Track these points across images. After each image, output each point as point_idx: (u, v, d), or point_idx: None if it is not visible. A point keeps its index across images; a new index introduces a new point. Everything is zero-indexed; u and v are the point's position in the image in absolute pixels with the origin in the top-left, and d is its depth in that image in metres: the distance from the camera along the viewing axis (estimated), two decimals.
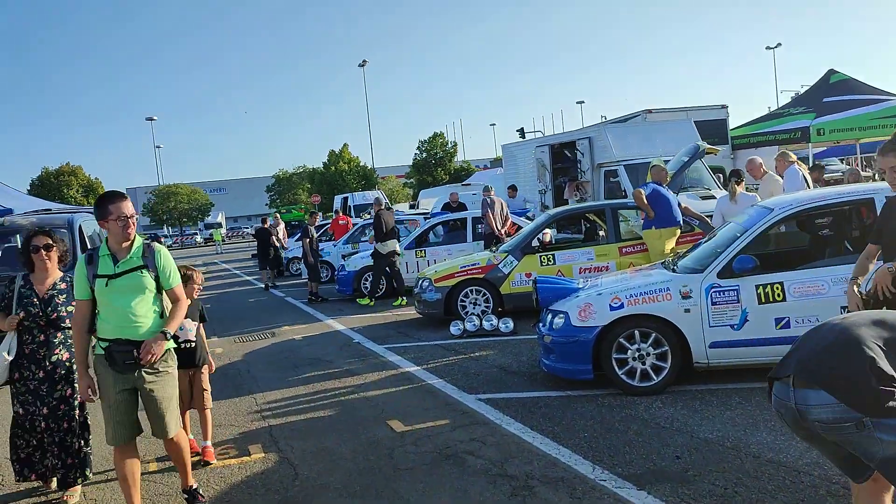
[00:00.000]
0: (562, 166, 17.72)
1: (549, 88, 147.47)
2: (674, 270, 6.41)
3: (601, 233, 10.73)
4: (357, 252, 15.83)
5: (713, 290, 5.91)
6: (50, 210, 13.99)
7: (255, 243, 19.81)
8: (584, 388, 6.34)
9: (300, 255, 17.23)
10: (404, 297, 12.72)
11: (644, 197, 9.37)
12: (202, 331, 5.63)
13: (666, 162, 10.57)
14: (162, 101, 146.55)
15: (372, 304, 13.09)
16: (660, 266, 6.92)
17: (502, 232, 12.71)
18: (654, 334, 6.01)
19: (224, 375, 8.42)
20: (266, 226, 19.92)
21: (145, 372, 4.12)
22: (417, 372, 7.69)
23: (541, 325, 6.70)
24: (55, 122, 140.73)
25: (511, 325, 9.20)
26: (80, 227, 10.69)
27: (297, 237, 20.08)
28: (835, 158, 26.89)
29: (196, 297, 5.55)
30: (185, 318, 5.17)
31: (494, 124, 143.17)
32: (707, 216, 10.10)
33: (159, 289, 4.25)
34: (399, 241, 13.46)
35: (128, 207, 4.10)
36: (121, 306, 4.09)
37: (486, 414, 5.97)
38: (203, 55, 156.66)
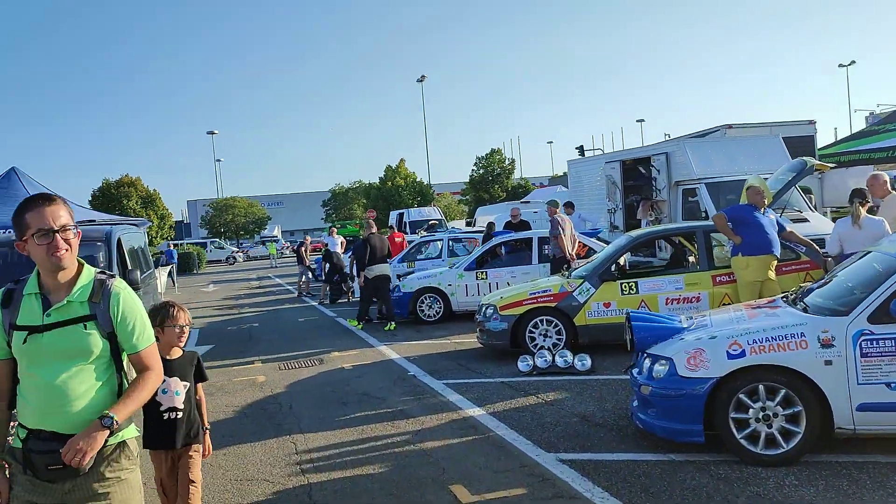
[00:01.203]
0: (634, 184, 16.50)
1: (608, 106, 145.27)
2: (805, 310, 5.20)
3: (691, 259, 9.48)
4: (413, 272, 14.89)
5: (864, 337, 4.69)
6: (94, 221, 13.46)
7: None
8: (689, 451, 5.17)
9: (350, 272, 16.47)
10: (394, 323, 12.75)
11: (726, 221, 8.20)
12: (200, 393, 4.11)
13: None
14: (223, 115, 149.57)
15: (393, 327, 12.63)
16: (781, 303, 5.70)
17: (573, 255, 11.59)
18: (783, 390, 4.81)
19: (264, 412, 7.51)
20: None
21: (84, 480, 2.62)
22: (482, 417, 6.62)
23: (636, 371, 5.56)
24: (119, 135, 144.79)
25: (588, 362, 8.05)
26: (118, 240, 10.00)
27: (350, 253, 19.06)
28: None
29: (183, 343, 4.02)
30: (173, 376, 3.84)
31: (552, 142, 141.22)
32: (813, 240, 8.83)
33: (116, 353, 2.76)
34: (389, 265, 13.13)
35: (56, 215, 2.64)
36: (48, 378, 2.62)
37: (572, 483, 4.85)
38: (263, 70, 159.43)
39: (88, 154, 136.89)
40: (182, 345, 3.96)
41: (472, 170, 56.43)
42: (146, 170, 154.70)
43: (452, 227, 29.96)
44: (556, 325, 8.81)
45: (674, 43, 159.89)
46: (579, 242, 12.69)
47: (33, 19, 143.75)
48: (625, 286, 8.72)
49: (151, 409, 3.80)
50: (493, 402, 7.09)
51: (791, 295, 5.82)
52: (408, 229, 31.90)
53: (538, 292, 8.94)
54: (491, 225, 17.32)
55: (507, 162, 56.39)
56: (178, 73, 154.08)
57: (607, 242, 13.39)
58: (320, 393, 8.15)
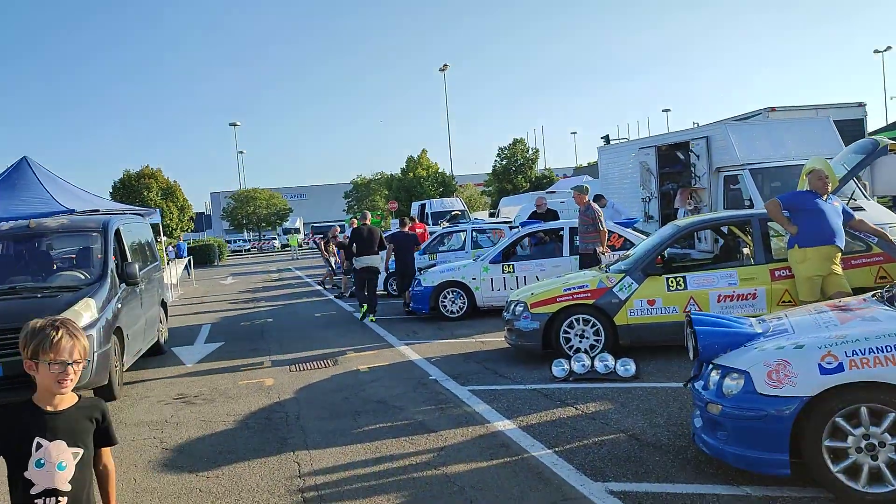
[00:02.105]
0: (670, 171, 15.50)
1: (632, 96, 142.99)
2: None
3: (745, 251, 8.52)
4: (434, 264, 14.04)
5: None
6: (98, 211, 12.76)
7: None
8: (769, 483, 4.26)
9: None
10: (373, 316, 12.92)
11: (780, 209, 7.27)
12: (108, 462, 2.64)
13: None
14: (245, 107, 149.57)
15: (373, 319, 12.85)
16: (874, 303, 4.77)
17: (606, 248, 10.64)
18: (893, 414, 3.89)
19: (268, 422, 6.70)
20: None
21: None
22: (513, 432, 5.75)
23: (699, 384, 4.66)
24: (143, 127, 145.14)
25: (632, 367, 7.15)
26: (116, 231, 9.26)
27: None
28: None
29: (66, 389, 2.42)
30: (56, 439, 2.41)
31: (575, 132, 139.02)
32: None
33: None
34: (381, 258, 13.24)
35: None
36: None
37: None
38: (286, 61, 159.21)
39: (113, 146, 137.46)
40: (66, 390, 2.43)
41: (496, 160, 55.27)
42: (171, 162, 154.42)
43: (475, 219, 29.05)
44: (594, 325, 7.91)
45: (699, 33, 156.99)
46: (614, 234, 11.78)
47: (55, 9, 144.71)
48: (671, 281, 7.80)
49: (20, 491, 2.41)
50: (526, 414, 6.22)
51: (885, 293, 4.88)
52: (430, 220, 31.10)
53: (573, 288, 8.04)
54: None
55: (530, 152, 55.18)
56: (203, 66, 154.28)
57: (645, 233, 12.45)
58: (332, 400, 7.34)
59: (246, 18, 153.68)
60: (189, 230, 47.67)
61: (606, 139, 51.54)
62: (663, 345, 7.88)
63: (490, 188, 58.10)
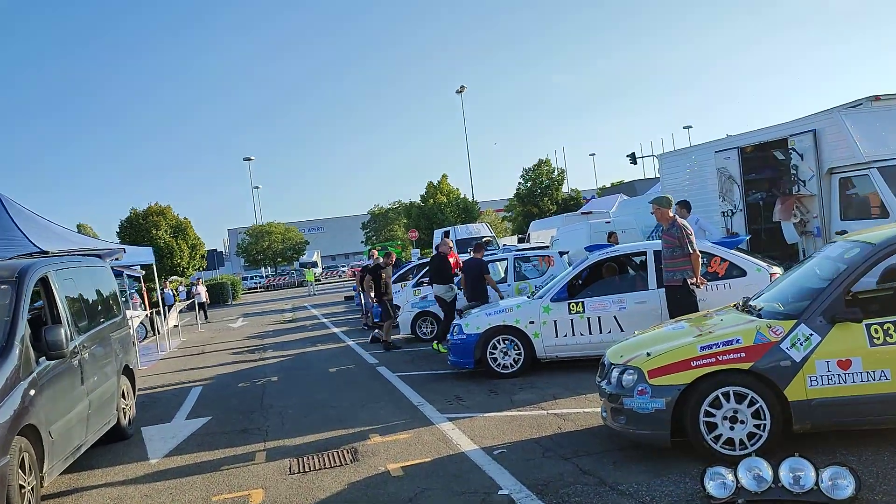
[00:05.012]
0: (756, 177, 12.71)
1: (649, 116, 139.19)
2: None
3: None
4: (474, 306, 11.21)
5: None
6: (47, 253, 10.16)
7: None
8: None
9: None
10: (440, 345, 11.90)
11: None
12: None
13: None
14: (259, 141, 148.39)
15: (439, 348, 11.91)
16: None
17: (701, 279, 7.93)
18: None
19: None
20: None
21: None
22: None
23: None
24: (154, 163, 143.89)
25: (851, 483, 4.25)
26: (43, 280, 6.60)
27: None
28: None
29: None
30: None
31: (594, 154, 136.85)
32: None
33: None
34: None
35: None
36: None
37: None
38: (297, 93, 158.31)
39: (131, 183, 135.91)
40: None
41: (519, 183, 52.54)
42: (188, 201, 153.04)
43: (505, 245, 26.29)
44: (753, 402, 5.07)
45: (715, 52, 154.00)
46: (715, 256, 8.96)
47: (63, 38, 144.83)
48: (876, 330, 4.95)
49: None
50: None
51: None
52: (455, 249, 28.38)
53: (717, 345, 5.20)
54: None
55: (555, 173, 52.39)
56: (222, 101, 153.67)
57: (753, 254, 9.60)
58: None
59: (259, 50, 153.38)
60: (201, 269, 45.20)
61: (632, 157, 48.64)
62: (864, 429, 5.05)
63: (512, 213, 55.41)
